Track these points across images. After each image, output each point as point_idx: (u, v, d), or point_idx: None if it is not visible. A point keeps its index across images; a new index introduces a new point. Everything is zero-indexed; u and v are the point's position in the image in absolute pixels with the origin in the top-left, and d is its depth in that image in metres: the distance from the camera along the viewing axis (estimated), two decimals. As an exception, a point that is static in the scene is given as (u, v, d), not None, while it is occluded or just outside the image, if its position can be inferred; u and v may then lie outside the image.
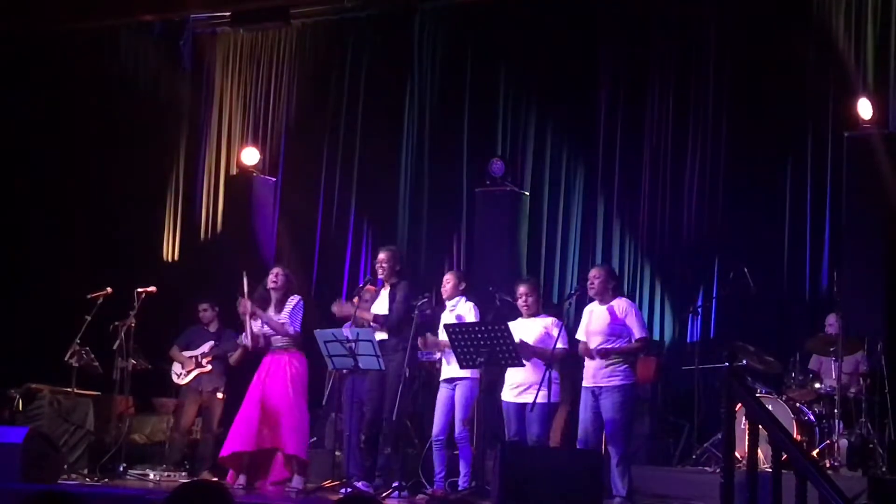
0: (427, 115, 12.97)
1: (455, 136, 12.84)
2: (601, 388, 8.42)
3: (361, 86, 13.26)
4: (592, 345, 8.54)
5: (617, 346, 8.47)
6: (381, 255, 9.54)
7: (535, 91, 12.60)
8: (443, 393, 9.10)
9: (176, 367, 10.85)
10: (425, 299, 9.23)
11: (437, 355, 9.54)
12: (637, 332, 8.53)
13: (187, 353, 10.79)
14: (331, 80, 13.42)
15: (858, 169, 10.78)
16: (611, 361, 8.40)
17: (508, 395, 8.83)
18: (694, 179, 11.85)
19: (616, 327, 8.48)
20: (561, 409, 9.33)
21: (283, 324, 9.56)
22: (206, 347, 10.77)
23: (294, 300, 9.70)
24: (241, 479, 9.46)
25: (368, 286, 9.73)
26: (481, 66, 12.78)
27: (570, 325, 9.49)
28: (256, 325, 9.67)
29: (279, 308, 9.66)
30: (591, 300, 8.73)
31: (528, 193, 12.41)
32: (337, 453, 9.75)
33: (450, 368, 9.05)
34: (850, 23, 11.13)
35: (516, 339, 8.46)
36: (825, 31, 11.17)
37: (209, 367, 10.69)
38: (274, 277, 9.72)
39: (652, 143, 12.04)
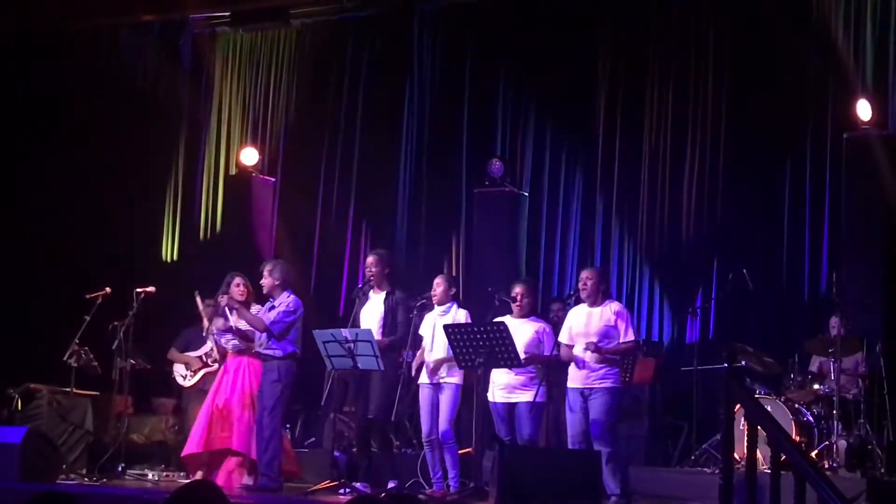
0: (426, 116, 12.99)
1: (454, 137, 12.85)
2: (592, 389, 8.37)
3: (361, 86, 13.28)
4: (582, 345, 8.48)
5: (610, 346, 8.45)
6: (369, 260, 9.34)
7: (535, 91, 12.61)
8: (425, 393, 9.02)
9: (179, 369, 10.71)
10: (424, 300, 9.19)
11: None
12: (626, 335, 8.47)
13: (193, 354, 10.74)
14: (330, 80, 13.43)
15: (857, 170, 10.79)
16: (601, 364, 8.36)
17: (496, 395, 8.80)
18: (693, 180, 11.86)
19: (610, 329, 8.45)
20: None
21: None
22: (208, 346, 10.72)
23: (257, 308, 9.71)
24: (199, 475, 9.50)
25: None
26: (480, 67, 12.79)
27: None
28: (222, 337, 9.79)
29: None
30: (582, 302, 8.70)
31: (527, 194, 12.43)
32: (335, 454, 9.74)
33: (433, 372, 9.00)
34: (849, 24, 11.13)
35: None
36: (824, 32, 11.18)
37: (216, 366, 10.64)
38: (243, 289, 9.70)
39: (651, 143, 12.05)
